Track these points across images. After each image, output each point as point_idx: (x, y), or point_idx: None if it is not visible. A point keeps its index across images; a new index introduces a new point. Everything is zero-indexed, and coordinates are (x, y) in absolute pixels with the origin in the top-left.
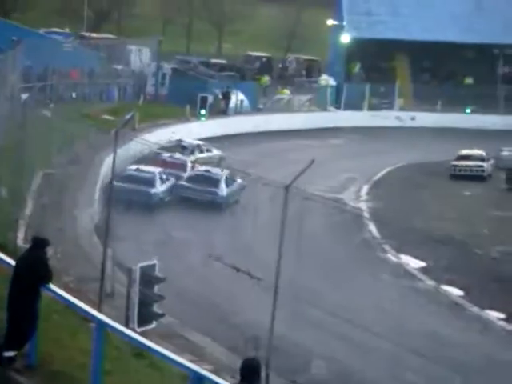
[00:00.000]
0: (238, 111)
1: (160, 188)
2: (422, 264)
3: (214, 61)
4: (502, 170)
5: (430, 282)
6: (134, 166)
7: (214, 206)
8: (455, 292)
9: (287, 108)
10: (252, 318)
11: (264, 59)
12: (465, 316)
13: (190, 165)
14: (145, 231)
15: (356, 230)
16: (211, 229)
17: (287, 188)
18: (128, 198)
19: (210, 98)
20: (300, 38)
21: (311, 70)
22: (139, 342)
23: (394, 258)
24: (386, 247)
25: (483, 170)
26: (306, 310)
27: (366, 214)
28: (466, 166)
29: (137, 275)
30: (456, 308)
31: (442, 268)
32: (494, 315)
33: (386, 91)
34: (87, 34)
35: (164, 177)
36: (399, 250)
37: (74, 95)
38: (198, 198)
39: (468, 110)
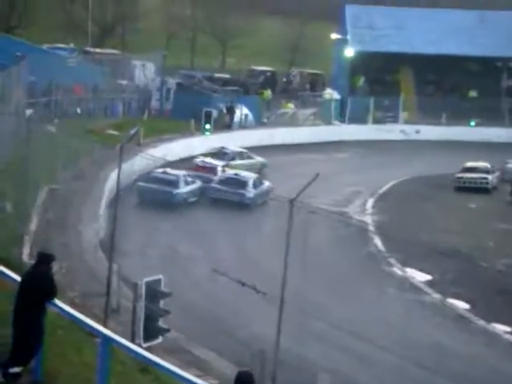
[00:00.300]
0: (243, 125)
1: (183, 189)
2: (428, 277)
3: (217, 75)
4: (507, 182)
5: (436, 296)
6: (160, 169)
7: (243, 206)
8: (461, 305)
9: (291, 122)
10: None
11: (268, 73)
12: (471, 329)
13: (220, 169)
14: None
15: (361, 244)
16: (217, 243)
17: (292, 202)
18: (152, 197)
19: (215, 113)
20: (304, 52)
21: (315, 83)
22: (145, 357)
23: (399, 272)
24: (392, 260)
25: (488, 183)
26: (311, 324)
27: (371, 228)
28: (471, 178)
29: (142, 290)
30: (462, 321)
31: (447, 281)
32: (501, 328)
33: (390, 104)
34: (91, 50)
35: (189, 179)
36: (405, 263)
37: (78, 110)
38: (228, 199)
39: (472, 123)
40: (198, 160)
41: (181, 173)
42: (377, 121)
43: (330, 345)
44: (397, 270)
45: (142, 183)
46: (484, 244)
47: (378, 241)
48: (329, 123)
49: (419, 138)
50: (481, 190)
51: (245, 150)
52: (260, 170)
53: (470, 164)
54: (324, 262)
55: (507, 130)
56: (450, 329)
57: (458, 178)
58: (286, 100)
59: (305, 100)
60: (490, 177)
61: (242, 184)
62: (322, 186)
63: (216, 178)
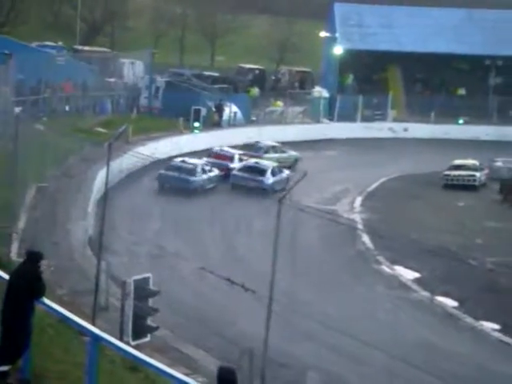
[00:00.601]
0: (232, 123)
1: (200, 177)
2: (417, 275)
3: (206, 73)
4: (495, 180)
5: (425, 293)
6: (180, 158)
7: (260, 191)
8: (450, 303)
9: (280, 120)
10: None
11: (257, 71)
12: (459, 327)
13: (237, 157)
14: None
15: (350, 242)
16: (203, 241)
17: (281, 200)
18: (172, 184)
19: (204, 111)
20: (293, 50)
21: (304, 81)
22: (133, 356)
23: (388, 270)
24: (380, 259)
25: (475, 180)
26: (300, 322)
27: (359, 226)
28: (459, 175)
29: (131, 288)
30: (450, 319)
31: (436, 279)
32: (489, 326)
33: (378, 102)
34: (80, 48)
35: (207, 168)
36: (393, 261)
37: (67, 108)
38: (247, 185)
39: (461, 121)
40: (217, 148)
41: (199, 162)
42: (365, 119)
43: (319, 343)
44: (385, 268)
45: (163, 171)
46: (472, 242)
47: (366, 239)
48: (318, 121)
49: (407, 135)
50: (468, 187)
51: (278, 145)
52: (293, 163)
53: (457, 161)
54: (313, 260)
55: (495, 127)
56: (438, 327)
57: (446, 175)
58: (275, 98)
59: (294, 98)
60: (477, 174)
61: (261, 171)
62: (310, 183)
63: (238, 166)
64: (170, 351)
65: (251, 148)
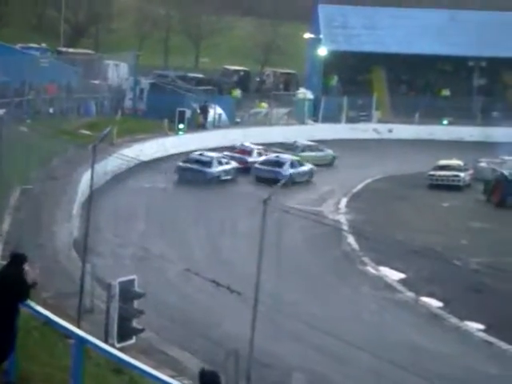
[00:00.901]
0: (217, 125)
1: (216, 169)
2: (402, 276)
3: (191, 75)
4: (479, 181)
5: (410, 294)
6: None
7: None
8: (435, 303)
9: (265, 121)
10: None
11: (241, 73)
12: (444, 327)
13: (256, 151)
14: None
15: (335, 243)
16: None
17: (266, 201)
18: (189, 175)
19: (188, 113)
20: (277, 52)
21: (289, 83)
22: (119, 358)
23: (373, 271)
24: (366, 259)
25: (459, 180)
26: (286, 323)
27: (344, 227)
28: (444, 175)
29: (116, 290)
30: (435, 319)
31: (421, 280)
32: (474, 326)
33: (363, 104)
34: (64, 50)
35: (224, 160)
36: (378, 262)
37: (51, 110)
38: (266, 176)
39: (445, 122)
40: (238, 144)
41: (215, 154)
42: (350, 120)
43: (305, 343)
44: (371, 269)
45: (181, 163)
46: (457, 242)
47: (351, 240)
48: (302, 122)
49: (392, 136)
50: (453, 187)
51: (315, 144)
52: (331, 162)
53: (442, 162)
54: (298, 261)
55: (479, 128)
56: (423, 327)
57: (431, 175)
58: (260, 99)
59: (278, 99)
60: (462, 175)
61: (280, 164)
62: (295, 185)
63: (260, 160)
64: (156, 353)
65: (289, 147)
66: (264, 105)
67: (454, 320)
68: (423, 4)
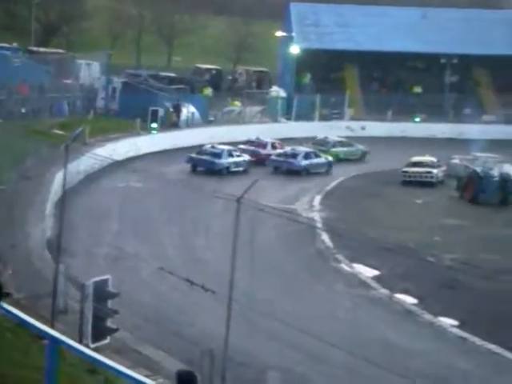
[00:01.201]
0: (190, 124)
1: (225, 160)
2: (376, 273)
3: (163, 74)
4: (452, 177)
5: (384, 291)
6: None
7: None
8: (409, 300)
9: (238, 120)
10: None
11: (213, 71)
12: (418, 324)
13: (270, 144)
14: None
15: (309, 241)
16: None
17: (239, 200)
18: (200, 165)
19: (161, 112)
20: (250, 50)
21: (261, 81)
22: (93, 358)
23: (347, 268)
24: (340, 257)
25: (432, 177)
26: (260, 321)
27: (318, 225)
28: (417, 172)
29: (90, 291)
30: (410, 316)
31: (395, 276)
32: (448, 322)
33: (336, 101)
34: (35, 49)
35: (236, 153)
36: (352, 259)
37: (23, 110)
38: (281, 167)
39: (417, 119)
40: (253, 138)
41: (226, 147)
42: (323, 118)
43: (280, 342)
44: (345, 266)
45: (193, 154)
46: (431, 239)
47: (325, 237)
48: (276, 121)
49: (365, 134)
50: (426, 184)
51: (345, 139)
52: (362, 156)
53: (415, 158)
54: (272, 259)
55: (451, 125)
56: (397, 324)
57: (404, 172)
58: (232, 98)
59: (251, 98)
60: (435, 171)
61: (294, 155)
62: (269, 183)
63: (276, 152)
64: (130, 353)
65: (320, 143)
66: (237, 103)
67: (428, 316)
68: (395, 2)
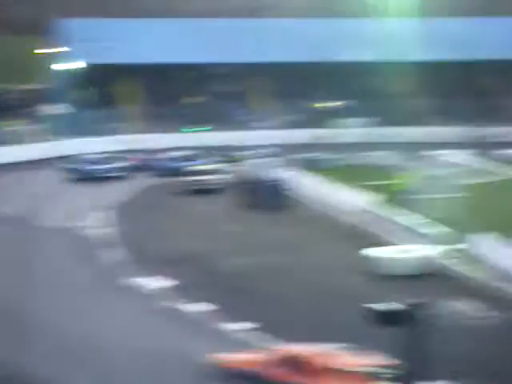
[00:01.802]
0: None
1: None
2: (166, 284)
3: None
4: (236, 184)
5: (176, 301)
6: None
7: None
8: (200, 308)
9: (18, 139)
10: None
11: None
12: (208, 331)
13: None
14: None
15: (97, 257)
16: None
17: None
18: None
19: None
20: (19, 68)
21: (35, 99)
22: None
23: (136, 281)
24: (129, 271)
25: (216, 184)
26: (48, 342)
27: (106, 240)
28: (200, 180)
29: None
30: (204, 324)
31: (186, 286)
32: (245, 326)
33: (117, 115)
34: None
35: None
36: (142, 273)
37: None
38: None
39: (187, 130)
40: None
41: (101, 156)
42: (107, 132)
43: (69, 363)
44: (134, 280)
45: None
46: (216, 246)
47: (113, 252)
48: (54, 139)
49: (151, 146)
50: (209, 191)
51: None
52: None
53: (198, 167)
54: (56, 278)
55: (226, 133)
56: (190, 332)
57: (186, 181)
58: (7, 118)
59: (26, 116)
60: (216, 178)
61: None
62: (56, 202)
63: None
64: None
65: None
66: (13, 123)
67: (222, 323)
68: (173, 14)
